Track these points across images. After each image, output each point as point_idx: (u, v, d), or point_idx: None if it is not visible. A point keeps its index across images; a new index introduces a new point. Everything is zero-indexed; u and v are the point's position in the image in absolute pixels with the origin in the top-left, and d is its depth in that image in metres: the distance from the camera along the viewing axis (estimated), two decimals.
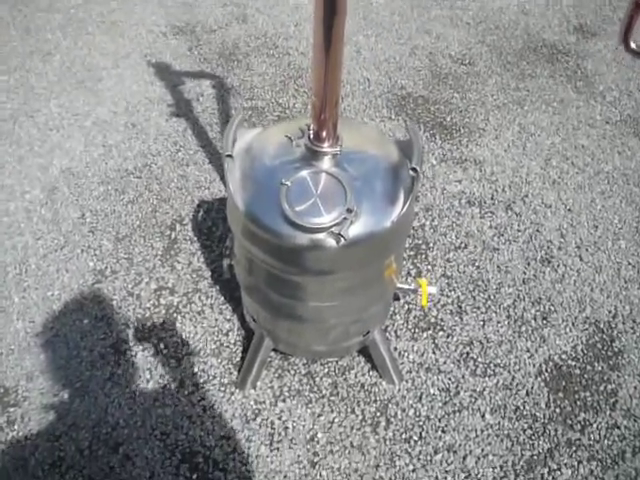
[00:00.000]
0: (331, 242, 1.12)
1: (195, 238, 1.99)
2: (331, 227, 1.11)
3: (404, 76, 2.73)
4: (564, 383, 1.67)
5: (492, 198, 2.18)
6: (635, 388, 1.66)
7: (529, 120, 2.56)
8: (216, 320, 1.76)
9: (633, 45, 0.84)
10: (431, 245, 2.01)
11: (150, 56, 2.82)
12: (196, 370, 1.64)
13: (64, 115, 2.49)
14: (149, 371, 1.64)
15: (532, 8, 3.43)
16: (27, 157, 2.29)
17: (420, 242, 2.02)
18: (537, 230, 2.09)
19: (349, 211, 1.11)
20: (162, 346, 1.70)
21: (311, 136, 1.19)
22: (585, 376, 1.69)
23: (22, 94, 2.60)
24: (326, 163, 1.19)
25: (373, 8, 3.21)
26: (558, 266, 1.98)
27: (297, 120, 1.32)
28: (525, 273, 1.95)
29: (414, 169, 1.18)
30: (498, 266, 1.96)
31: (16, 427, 1.52)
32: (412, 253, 1.98)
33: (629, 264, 2.00)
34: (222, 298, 1.82)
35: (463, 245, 2.02)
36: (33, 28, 3.02)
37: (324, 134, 1.17)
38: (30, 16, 3.13)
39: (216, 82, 2.64)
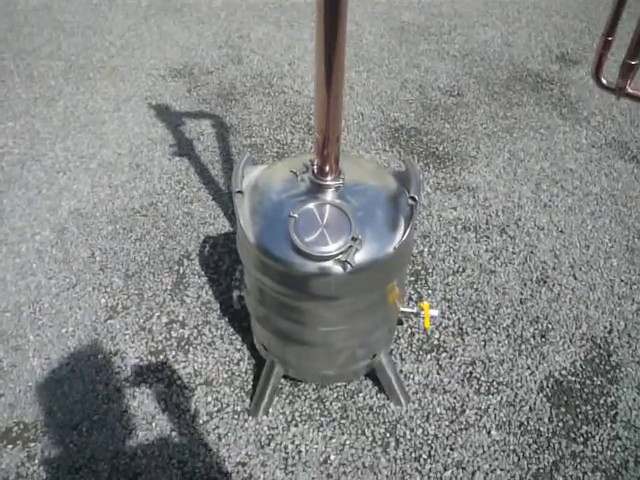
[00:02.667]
0: (338, 269, 1.20)
1: (202, 272, 2.06)
2: (338, 255, 1.18)
3: (396, 109, 2.84)
4: (565, 398, 1.72)
5: (487, 223, 2.27)
6: (634, 400, 1.72)
7: (518, 147, 2.66)
8: (227, 350, 1.82)
9: (604, 81, 0.94)
10: (430, 270, 2.09)
11: (150, 98, 2.93)
12: (210, 399, 1.69)
13: (70, 158, 2.58)
14: (164, 402, 1.69)
15: (515, 40, 3.58)
16: (36, 200, 2.36)
17: (420, 268, 2.09)
18: (531, 252, 2.17)
19: (354, 239, 1.19)
20: (176, 377, 1.75)
21: (315, 170, 1.27)
22: (585, 390, 1.74)
23: (28, 139, 2.69)
24: (330, 195, 1.27)
25: (363, 45, 3.35)
26: (553, 285, 2.05)
27: (300, 157, 1.41)
28: (522, 293, 2.02)
29: (413, 198, 1.26)
30: (496, 288, 2.04)
31: (37, 461, 1.56)
32: (413, 279, 2.06)
33: (622, 281, 2.07)
34: (231, 329, 1.88)
35: (461, 269, 2.09)
36: (36, 75, 3.14)
37: (327, 168, 1.26)
38: (33, 64, 3.25)
39: (215, 121, 2.74)
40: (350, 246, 1.18)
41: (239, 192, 1.30)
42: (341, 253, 1.18)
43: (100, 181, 2.45)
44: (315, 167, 1.27)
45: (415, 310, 1.59)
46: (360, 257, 1.20)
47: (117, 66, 3.23)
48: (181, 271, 2.07)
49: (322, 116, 1.18)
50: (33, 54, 3.38)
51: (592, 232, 2.27)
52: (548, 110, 2.93)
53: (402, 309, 1.58)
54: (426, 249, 2.16)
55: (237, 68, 3.14)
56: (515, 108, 2.92)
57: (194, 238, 2.18)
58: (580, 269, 2.12)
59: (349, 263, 1.18)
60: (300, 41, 3.41)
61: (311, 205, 1.24)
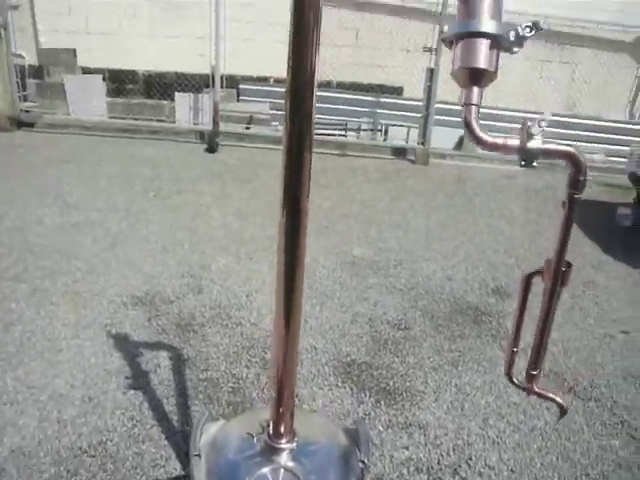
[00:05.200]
0: None
1: None
2: None
3: (348, 343, 3.00)
4: None
5: (439, 463, 2.28)
6: None
7: (464, 380, 2.79)
8: None
9: (515, 381, 1.10)
10: None
11: (110, 326, 3.01)
12: None
13: (19, 389, 2.54)
14: None
15: (454, 274, 3.94)
16: None
17: None
18: None
19: None
20: None
21: (270, 432, 1.33)
22: None
23: None
24: (284, 458, 1.31)
25: (317, 278, 3.62)
26: None
27: (257, 412, 1.48)
28: None
29: (363, 462, 1.32)
30: None
31: None
32: None
33: None
34: None
35: None
36: None
37: (282, 429, 1.33)
38: None
39: (173, 353, 2.81)
40: None
41: (197, 455, 1.33)
42: None
43: (49, 415, 2.40)
44: (270, 428, 1.33)
45: None
46: None
47: (81, 291, 3.35)
48: None
49: (276, 372, 1.28)
50: None
51: (541, 470, 2.30)
52: (489, 342, 3.13)
53: None
54: None
55: (197, 298, 3.31)
56: (459, 341, 3.11)
57: None
58: None
59: None
60: (258, 273, 3.67)
61: (265, 470, 1.27)
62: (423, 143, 7.14)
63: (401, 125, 7.65)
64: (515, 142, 0.93)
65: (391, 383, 2.72)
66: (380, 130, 7.85)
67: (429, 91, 6.96)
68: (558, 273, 1.11)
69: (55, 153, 6.42)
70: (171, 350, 2.83)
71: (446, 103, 7.83)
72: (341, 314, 3.25)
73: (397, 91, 8.12)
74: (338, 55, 7.74)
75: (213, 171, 6.07)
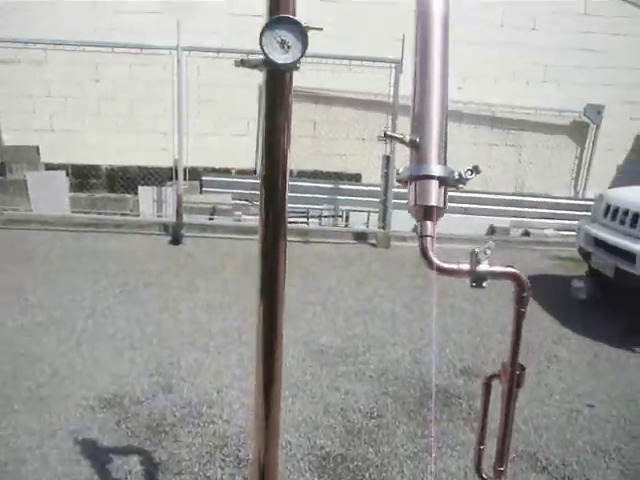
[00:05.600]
0: None
1: None
2: None
3: (321, 435, 2.98)
4: None
5: None
6: None
7: (439, 467, 2.80)
8: None
9: (485, 476, 1.17)
10: None
11: (77, 432, 2.93)
12: None
13: None
14: None
15: (422, 357, 4.00)
16: None
17: None
18: None
19: None
20: None
21: None
22: None
23: None
24: None
25: (287, 369, 3.63)
26: None
27: None
28: None
29: None
30: None
31: None
32: None
33: None
34: None
35: None
36: None
37: None
38: None
39: (144, 457, 2.74)
40: None
41: None
42: None
43: None
44: None
45: None
46: None
47: (45, 396, 3.27)
48: None
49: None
50: None
51: None
52: (460, 426, 3.16)
53: None
54: None
55: (167, 397, 3.27)
56: (431, 426, 3.13)
57: None
58: None
59: None
60: (228, 367, 3.66)
61: None
62: (384, 227, 7.37)
63: (361, 210, 7.91)
64: (466, 266, 1.06)
65: (367, 475, 2.70)
66: (341, 216, 8.09)
67: (386, 177, 7.27)
68: (513, 376, 1.21)
69: (17, 250, 6.37)
70: (142, 454, 2.77)
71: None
72: (313, 405, 3.25)
73: (355, 178, 8.45)
74: (298, 145, 8.10)
75: (179, 263, 6.11)
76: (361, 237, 7.66)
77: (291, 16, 1.03)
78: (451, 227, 7.94)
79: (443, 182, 1.02)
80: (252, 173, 8.21)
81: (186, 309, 4.69)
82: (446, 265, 1.05)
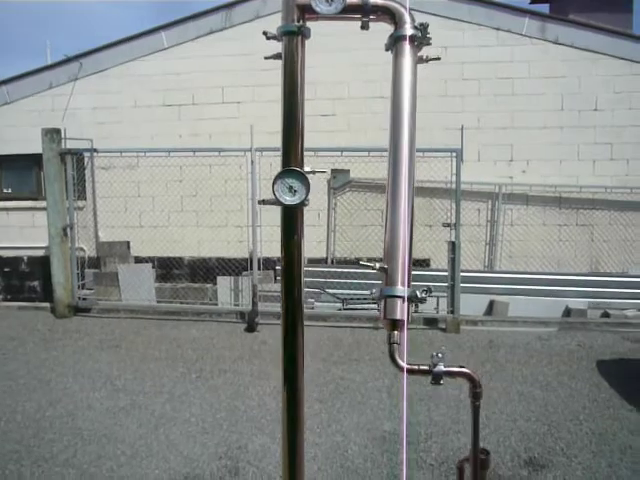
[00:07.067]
0: None
1: None
2: None
3: None
4: None
5: None
6: None
7: None
8: None
9: None
10: None
11: None
12: None
13: None
14: None
15: (485, 445, 3.97)
16: None
17: None
18: None
19: None
20: None
21: None
22: None
23: None
24: None
25: (347, 456, 3.73)
26: None
27: None
28: None
29: None
30: None
31: None
32: None
33: None
34: None
35: None
36: None
37: None
38: (47, 471, 3.59)
39: None
40: None
41: None
42: None
43: None
44: None
45: None
46: None
47: (124, 476, 3.55)
48: None
49: None
50: (50, 461, 3.73)
51: None
52: None
53: None
54: None
55: None
56: None
57: None
58: None
59: None
60: None
61: None
62: (452, 311, 7.40)
63: (431, 295, 7.97)
64: (426, 367, 1.32)
65: None
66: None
67: (452, 262, 7.38)
68: (477, 460, 1.38)
69: (107, 337, 6.93)
70: None
71: (471, 271, 8.25)
72: None
73: (424, 263, 8.61)
74: (368, 233, 8.45)
75: (252, 350, 6.41)
76: (431, 322, 7.71)
77: (297, 168, 1.35)
78: (525, 310, 7.89)
79: (406, 299, 1.29)
80: (323, 262, 8.56)
81: (256, 396, 4.93)
82: (409, 366, 1.30)
